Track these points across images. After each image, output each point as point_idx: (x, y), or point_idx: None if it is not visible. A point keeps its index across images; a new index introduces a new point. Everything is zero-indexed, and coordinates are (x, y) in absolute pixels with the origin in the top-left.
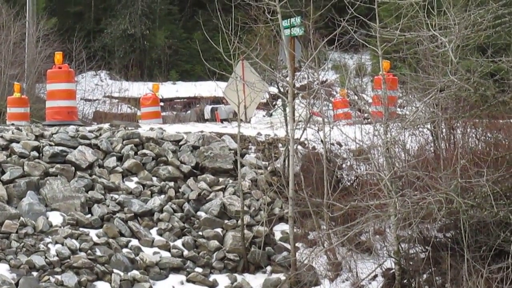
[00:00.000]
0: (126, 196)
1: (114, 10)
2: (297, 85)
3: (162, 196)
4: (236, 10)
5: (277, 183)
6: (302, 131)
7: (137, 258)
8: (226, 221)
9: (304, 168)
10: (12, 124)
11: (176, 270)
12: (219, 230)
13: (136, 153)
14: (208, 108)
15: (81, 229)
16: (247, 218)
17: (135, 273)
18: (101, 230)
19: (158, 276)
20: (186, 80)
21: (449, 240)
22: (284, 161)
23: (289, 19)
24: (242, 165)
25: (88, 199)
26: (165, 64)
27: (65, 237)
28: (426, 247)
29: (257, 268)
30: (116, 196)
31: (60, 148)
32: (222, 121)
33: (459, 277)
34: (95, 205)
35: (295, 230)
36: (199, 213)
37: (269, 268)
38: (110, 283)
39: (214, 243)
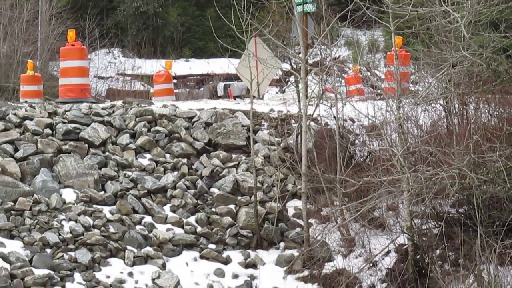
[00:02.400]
0: (139, 173)
1: None
2: (310, 61)
3: (175, 172)
4: None
5: (290, 159)
6: (315, 107)
7: (151, 234)
8: (239, 198)
9: (317, 144)
10: (26, 102)
11: (190, 246)
12: (232, 206)
13: (149, 130)
14: (221, 85)
15: (94, 206)
16: (260, 195)
17: (148, 249)
18: (114, 207)
19: (171, 253)
20: (199, 57)
21: (462, 215)
22: (297, 137)
23: None
24: (255, 142)
25: (101, 176)
26: (178, 42)
27: (79, 214)
28: (439, 223)
29: (270, 244)
30: (129, 173)
31: (73, 125)
32: (235, 97)
33: (472, 253)
34: (108, 182)
35: (308, 206)
36: (212, 189)
37: (282, 244)
38: (124, 260)
39: (227, 219)
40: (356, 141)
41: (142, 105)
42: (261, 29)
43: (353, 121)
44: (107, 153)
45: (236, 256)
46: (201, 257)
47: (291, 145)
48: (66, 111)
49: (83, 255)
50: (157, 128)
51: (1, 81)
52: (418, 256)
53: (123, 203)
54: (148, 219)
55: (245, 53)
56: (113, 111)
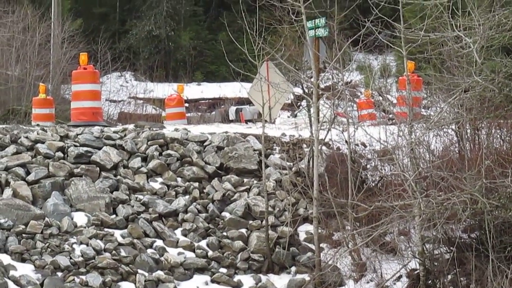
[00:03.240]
0: (151, 197)
1: (139, 11)
2: (322, 85)
3: (187, 196)
4: (260, 11)
5: (302, 183)
6: (327, 131)
7: (162, 258)
8: (250, 222)
9: (328, 168)
10: (37, 125)
11: (201, 270)
12: (243, 230)
13: (160, 154)
14: (232, 109)
15: (106, 229)
16: (271, 219)
17: (159, 273)
18: (125, 230)
19: (182, 277)
20: (211, 81)
21: (474, 240)
22: (309, 161)
23: (313, 20)
24: (267, 166)
25: (113, 200)
26: (190, 65)
27: (90, 238)
28: (451, 248)
29: (281, 269)
30: (141, 197)
31: (85, 148)
32: (246, 121)
33: (483, 278)
34: (120, 205)
35: (319, 230)
36: (223, 213)
37: (293, 268)
38: (135, 284)
39: (239, 243)
40: (368, 166)
41: (154, 128)
42: (273, 53)
43: (365, 146)
44: (118, 177)
45: (247, 280)
46: (212, 281)
47: (303, 169)
48: (78, 135)
49: (94, 279)
50: (169, 151)
51: (13, 104)
52: (429, 281)
53: (135, 227)
54: (159, 242)
55: (257, 77)
56: (125, 135)
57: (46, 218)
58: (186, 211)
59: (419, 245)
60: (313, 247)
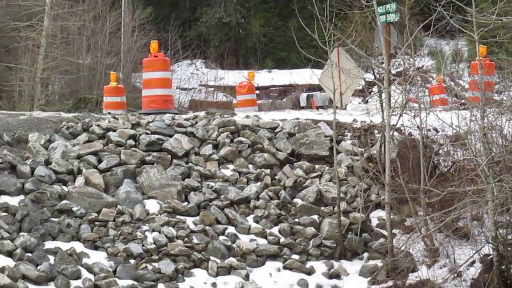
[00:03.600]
0: (222, 184)
1: None
2: (393, 71)
3: (258, 183)
4: None
5: (373, 169)
6: (398, 117)
7: (234, 245)
8: (322, 208)
9: (400, 154)
10: (109, 113)
11: (273, 257)
12: (315, 217)
13: (232, 141)
14: (303, 96)
15: (177, 216)
16: (343, 205)
17: (232, 260)
18: (197, 217)
19: (255, 263)
20: (282, 68)
21: None
22: (380, 147)
23: (384, 5)
24: (338, 152)
25: (184, 187)
26: (261, 52)
27: (162, 225)
28: None
29: (354, 255)
30: (213, 184)
31: (156, 136)
32: (317, 108)
33: None
34: (192, 192)
35: (391, 216)
36: (295, 200)
37: (366, 254)
38: (207, 271)
39: (311, 230)
40: (440, 151)
41: (225, 116)
42: (344, 39)
43: (437, 131)
44: (190, 164)
45: (319, 266)
46: (285, 267)
47: (375, 155)
48: (149, 122)
49: (166, 266)
50: (240, 138)
51: (84, 92)
52: (503, 267)
53: (206, 214)
54: (231, 229)
55: (328, 63)
56: (196, 122)
57: (118, 206)
58: (257, 198)
59: (492, 230)
60: (385, 233)
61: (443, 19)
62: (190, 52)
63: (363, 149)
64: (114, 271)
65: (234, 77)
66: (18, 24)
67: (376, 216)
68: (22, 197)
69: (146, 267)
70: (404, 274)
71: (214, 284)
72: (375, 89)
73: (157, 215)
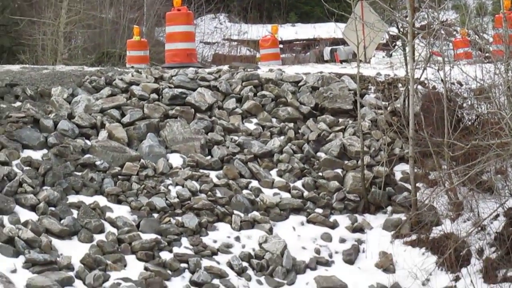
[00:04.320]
0: (246, 138)
1: None
2: (417, 25)
3: (282, 137)
4: None
5: (397, 123)
6: (422, 70)
7: (257, 199)
8: (346, 162)
9: (424, 107)
10: (132, 67)
11: (297, 211)
12: (339, 170)
13: (255, 95)
14: (327, 49)
15: (201, 170)
16: (367, 159)
17: (255, 214)
18: (221, 171)
19: (278, 217)
20: (305, 22)
21: None
22: (404, 101)
23: None
24: (362, 106)
25: (208, 141)
26: (284, 6)
27: (185, 179)
28: None
29: (377, 209)
30: (236, 138)
31: (180, 90)
32: (341, 62)
33: None
34: (215, 146)
35: (415, 170)
36: (318, 154)
37: (389, 208)
38: (231, 224)
39: (334, 183)
40: (464, 104)
41: (248, 69)
42: None
43: (461, 84)
44: (213, 118)
45: (343, 220)
46: (308, 221)
47: (398, 109)
48: (172, 76)
49: (190, 220)
50: (264, 92)
51: (107, 47)
52: None
53: (230, 168)
54: (254, 183)
55: (352, 17)
56: (219, 76)
57: (142, 160)
58: (281, 152)
59: None
60: (409, 186)
61: None
62: (214, 6)
63: (386, 103)
64: (138, 225)
65: (257, 31)
66: None
67: (400, 170)
68: (45, 151)
69: (169, 221)
70: (427, 228)
71: (237, 238)
72: (399, 42)
73: (180, 169)
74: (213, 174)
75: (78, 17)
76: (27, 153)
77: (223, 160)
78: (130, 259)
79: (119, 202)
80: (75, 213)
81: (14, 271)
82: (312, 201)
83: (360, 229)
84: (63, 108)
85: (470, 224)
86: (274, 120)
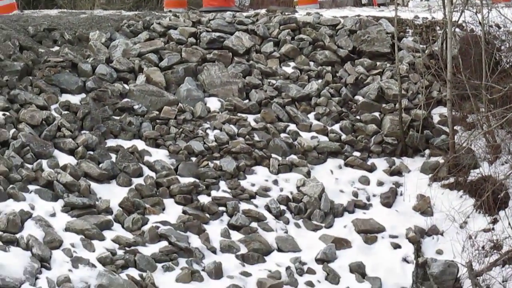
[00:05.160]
0: (284, 81)
1: None
2: None
3: (319, 80)
4: None
5: (435, 66)
6: (460, 13)
7: (295, 142)
8: (383, 105)
9: (462, 50)
10: (170, 11)
11: (334, 154)
12: (376, 114)
13: (293, 38)
14: None
15: (239, 114)
16: (405, 102)
17: (293, 157)
18: (259, 115)
19: (316, 161)
20: None
21: None
22: (442, 44)
23: None
24: (400, 49)
25: (245, 85)
26: None
27: (223, 123)
28: None
29: (415, 152)
30: (274, 81)
31: (217, 34)
32: (379, 5)
33: None
34: (253, 90)
35: (453, 113)
36: (356, 97)
37: (427, 151)
38: (269, 168)
39: (372, 127)
40: (502, 47)
41: (286, 13)
42: None
43: (499, 27)
44: (251, 62)
45: (380, 163)
46: (346, 164)
47: (436, 52)
48: (210, 20)
49: (228, 163)
50: (301, 36)
51: None
52: None
53: (268, 111)
54: (292, 127)
55: None
56: (257, 20)
57: (180, 104)
58: (319, 95)
59: None
60: (447, 129)
61: None
62: None
63: (424, 46)
64: (176, 169)
65: None
66: None
67: (438, 112)
68: (83, 95)
69: (207, 164)
70: (465, 171)
71: (275, 181)
72: None
73: (218, 112)
74: (251, 118)
75: None
76: (65, 97)
77: (261, 104)
78: (169, 202)
79: (157, 146)
80: (113, 157)
81: (53, 215)
82: (350, 144)
83: (398, 172)
84: (101, 52)
85: (508, 166)
86: (311, 63)
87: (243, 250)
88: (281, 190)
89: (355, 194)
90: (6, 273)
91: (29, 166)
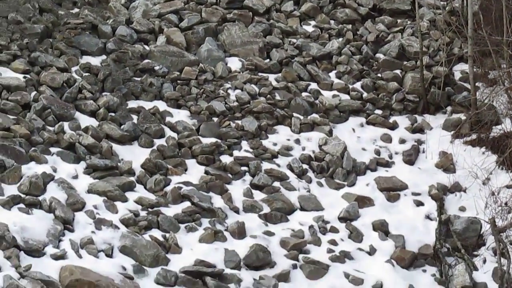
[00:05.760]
0: (304, 40)
1: None
2: None
3: (340, 39)
4: None
5: (456, 22)
6: None
7: (317, 101)
8: (405, 62)
9: (483, 6)
10: None
11: (356, 112)
12: (398, 71)
13: None
14: None
15: (260, 74)
16: (426, 59)
17: (314, 116)
18: (280, 74)
19: (337, 119)
20: None
21: None
22: (463, 0)
23: None
24: (420, 6)
25: (266, 44)
26: None
27: (244, 82)
28: None
29: (437, 109)
30: (294, 40)
31: None
32: None
33: None
34: (274, 49)
35: (474, 69)
36: (377, 55)
37: (449, 108)
38: (290, 127)
39: (393, 84)
40: None
41: None
42: None
43: None
44: (271, 21)
45: (402, 121)
46: (368, 122)
47: (457, 8)
48: None
49: (249, 123)
50: None
51: None
52: None
53: (289, 71)
54: (313, 86)
55: None
56: None
57: (201, 64)
58: (339, 54)
59: None
60: (468, 86)
61: None
62: None
63: (445, 2)
64: (197, 129)
65: None
66: None
67: (459, 69)
68: (104, 57)
69: (229, 124)
70: (487, 127)
71: (297, 141)
72: None
73: (239, 72)
74: (272, 77)
75: None
76: (86, 59)
77: (281, 63)
78: (191, 163)
79: (178, 106)
80: (135, 118)
81: (75, 176)
82: (371, 103)
83: (419, 130)
84: (121, 13)
85: None
86: (332, 22)
87: (266, 209)
88: (303, 149)
89: (377, 152)
90: (29, 236)
91: (51, 128)
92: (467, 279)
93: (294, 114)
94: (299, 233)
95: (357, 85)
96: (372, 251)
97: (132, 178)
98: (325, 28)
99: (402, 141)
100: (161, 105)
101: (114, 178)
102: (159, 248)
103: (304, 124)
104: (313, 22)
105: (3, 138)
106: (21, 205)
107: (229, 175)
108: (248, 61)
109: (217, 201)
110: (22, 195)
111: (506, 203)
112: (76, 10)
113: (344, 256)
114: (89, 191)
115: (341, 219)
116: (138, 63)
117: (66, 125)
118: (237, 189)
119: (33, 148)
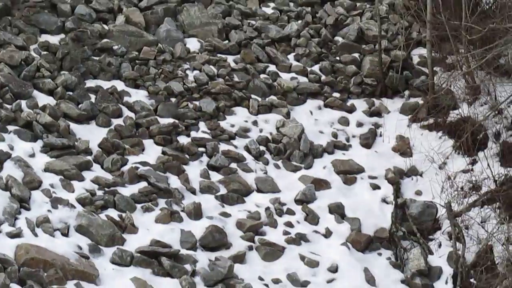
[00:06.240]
0: (263, 22)
1: None
2: None
3: (299, 21)
4: None
5: (415, 7)
6: None
7: (275, 83)
8: (363, 46)
9: None
10: None
11: (314, 95)
12: (356, 55)
13: None
14: None
15: (218, 55)
16: (384, 43)
17: (273, 98)
18: (238, 56)
19: (295, 101)
20: None
21: None
22: None
23: None
24: None
25: (225, 25)
26: None
27: (203, 63)
28: None
29: (395, 93)
30: (253, 22)
31: None
32: None
33: None
34: (232, 31)
35: (433, 54)
36: (336, 38)
37: (407, 92)
38: (248, 109)
39: (352, 68)
40: None
41: None
42: None
43: None
44: (230, 2)
45: (360, 104)
46: (326, 105)
47: None
48: None
49: (207, 104)
50: None
51: None
52: None
53: (247, 52)
54: (272, 68)
55: None
56: None
57: (159, 44)
58: (298, 36)
59: None
60: (426, 70)
61: None
62: None
63: None
64: (155, 110)
65: None
66: None
67: (417, 53)
68: (62, 35)
69: (187, 105)
70: (445, 112)
71: (255, 122)
72: None
73: (198, 53)
74: (230, 59)
75: None
76: (44, 37)
77: (240, 45)
78: (148, 143)
79: (136, 86)
80: (92, 97)
81: (32, 155)
82: (330, 85)
83: (377, 113)
84: None
85: (487, 108)
86: (291, 4)
87: (223, 190)
88: (261, 131)
89: (335, 135)
90: None
91: (8, 106)
92: (422, 263)
93: (252, 96)
94: (256, 215)
95: (316, 68)
96: (328, 234)
97: (89, 158)
98: (284, 10)
99: (360, 125)
100: (119, 85)
101: (71, 157)
102: (115, 227)
103: (262, 106)
104: (272, 4)
105: None
106: None
107: (186, 155)
108: (207, 42)
109: (174, 182)
110: None
111: (462, 188)
112: None
113: (300, 239)
114: (46, 170)
115: (297, 201)
116: (97, 42)
117: (23, 103)
118: (194, 170)
119: None
